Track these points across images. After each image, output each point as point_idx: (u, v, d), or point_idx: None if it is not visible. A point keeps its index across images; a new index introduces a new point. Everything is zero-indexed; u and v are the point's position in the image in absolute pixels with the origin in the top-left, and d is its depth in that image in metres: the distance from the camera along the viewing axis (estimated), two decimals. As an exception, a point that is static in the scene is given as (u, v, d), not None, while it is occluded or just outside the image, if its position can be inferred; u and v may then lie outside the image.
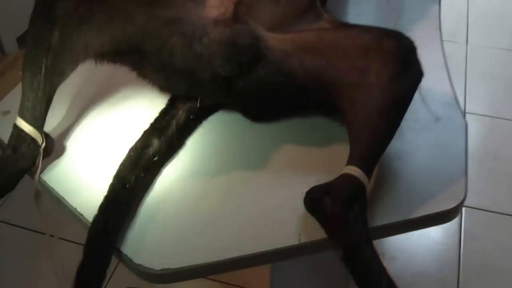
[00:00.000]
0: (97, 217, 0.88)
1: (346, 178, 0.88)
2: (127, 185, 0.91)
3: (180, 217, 0.92)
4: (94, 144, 1.04)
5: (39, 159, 0.94)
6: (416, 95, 0.97)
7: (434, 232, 1.84)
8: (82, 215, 0.91)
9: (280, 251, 0.88)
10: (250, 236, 0.89)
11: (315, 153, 1.02)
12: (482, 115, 2.29)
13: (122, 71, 1.10)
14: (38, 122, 0.93)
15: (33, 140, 0.92)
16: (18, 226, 1.89)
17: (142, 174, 0.94)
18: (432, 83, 1.11)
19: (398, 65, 0.92)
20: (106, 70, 1.14)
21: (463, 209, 1.90)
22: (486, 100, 2.39)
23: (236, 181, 0.97)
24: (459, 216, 1.87)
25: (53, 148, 1.00)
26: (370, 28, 1.01)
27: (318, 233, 0.87)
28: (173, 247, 0.88)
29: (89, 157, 1.01)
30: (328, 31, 1.03)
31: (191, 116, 1.03)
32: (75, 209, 0.93)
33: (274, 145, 1.02)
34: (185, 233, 0.90)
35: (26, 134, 0.91)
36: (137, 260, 0.86)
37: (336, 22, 1.08)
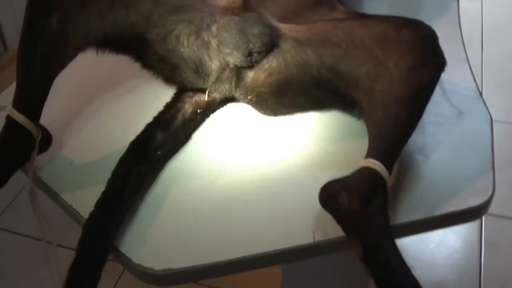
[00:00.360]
0: (94, 213, 0.80)
1: (365, 172, 0.80)
2: (127, 180, 0.84)
3: (185, 215, 0.85)
4: (95, 140, 0.97)
5: (34, 153, 0.87)
6: (437, 89, 0.90)
7: (453, 240, 1.76)
8: (78, 212, 0.84)
9: (293, 250, 0.80)
10: (260, 235, 0.82)
11: (329, 149, 0.94)
12: (499, 121, 2.21)
13: (125, 64, 1.04)
14: (34, 113, 0.86)
15: (28, 132, 0.85)
16: (20, 234, 1.83)
17: (144, 168, 0.87)
18: (454, 76, 1.04)
19: (419, 53, 0.86)
20: (109, 63, 1.07)
21: (483, 216, 1.82)
22: (503, 107, 2.31)
23: (245, 178, 0.89)
24: (479, 223, 1.79)
25: (51, 143, 0.93)
26: (387, 17, 0.94)
27: (334, 231, 0.80)
28: (176, 246, 0.81)
29: (88, 153, 0.94)
30: (343, 21, 0.96)
31: (198, 110, 0.96)
32: (71, 206, 0.86)
33: (286, 141, 0.95)
34: (189, 231, 0.82)
35: (20, 126, 0.84)
36: (136, 259, 0.79)
37: (352, 13, 1.01)
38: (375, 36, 0.89)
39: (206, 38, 0.91)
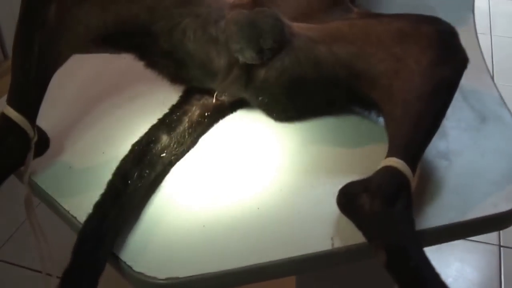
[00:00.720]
0: (92, 216, 0.74)
1: (386, 171, 0.74)
2: (129, 182, 0.77)
3: (192, 221, 0.78)
4: (96, 145, 0.90)
5: (30, 156, 0.81)
6: (458, 95, 0.84)
7: (471, 274, 1.66)
8: (75, 218, 0.77)
9: (309, 258, 0.73)
10: (273, 242, 0.74)
11: (345, 154, 0.88)
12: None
13: (128, 72, 0.99)
14: (30, 111, 0.80)
15: (23, 132, 0.78)
16: (20, 266, 1.74)
17: (147, 171, 0.80)
18: (474, 83, 0.98)
19: (439, 49, 0.81)
20: (112, 70, 1.03)
21: (502, 249, 1.74)
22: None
23: (256, 182, 0.83)
24: (497, 256, 1.71)
25: (48, 147, 0.86)
26: (404, 14, 0.90)
27: (354, 237, 0.73)
28: (182, 254, 0.74)
29: (88, 159, 0.88)
30: (358, 20, 0.91)
31: (206, 113, 0.90)
32: (68, 212, 0.79)
33: (299, 146, 0.89)
34: (196, 238, 0.75)
35: (14, 124, 0.78)
36: (138, 267, 0.72)
37: (367, 13, 0.96)
38: (393, 33, 0.84)
39: (214, 33, 0.85)
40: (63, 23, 0.80)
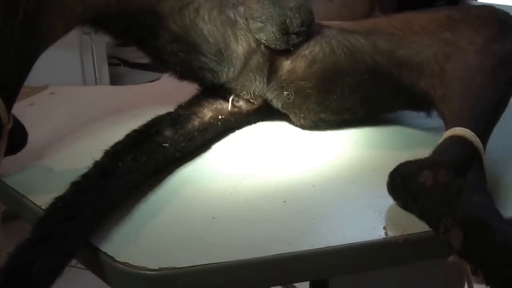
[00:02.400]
0: (66, 191, 0.55)
1: (451, 141, 0.57)
2: (120, 164, 0.60)
3: (200, 212, 0.59)
4: (83, 152, 0.72)
5: (1, 145, 0.64)
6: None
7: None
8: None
9: (356, 248, 0.53)
10: (303, 232, 0.55)
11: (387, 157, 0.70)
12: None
13: (136, 91, 0.85)
14: (5, 90, 0.64)
15: (-5, 114, 0.63)
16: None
17: (144, 157, 0.62)
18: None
19: (496, 27, 0.71)
20: (119, 93, 0.90)
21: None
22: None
23: (282, 180, 0.65)
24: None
25: (24, 144, 0.70)
26: (444, 6, 0.79)
27: (412, 227, 0.54)
28: (181, 242, 0.55)
29: (73, 163, 0.70)
30: (395, 14, 0.79)
31: (220, 116, 0.74)
32: (40, 207, 0.60)
33: (329, 154, 0.72)
34: (204, 229, 0.56)
35: (-15, 102, 0.62)
36: (121, 258, 0.52)
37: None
38: (440, 20, 0.74)
39: (232, 16, 0.72)
40: None
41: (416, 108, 0.75)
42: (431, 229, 0.53)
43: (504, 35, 0.68)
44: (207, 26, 0.71)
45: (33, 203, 0.62)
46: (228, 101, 0.76)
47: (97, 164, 0.59)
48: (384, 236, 0.53)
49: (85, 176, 0.58)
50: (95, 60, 1.93)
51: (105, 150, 0.62)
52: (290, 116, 0.76)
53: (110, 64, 2.05)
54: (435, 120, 0.77)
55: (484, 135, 0.58)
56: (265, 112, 0.78)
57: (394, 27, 0.74)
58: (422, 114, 0.76)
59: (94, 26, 0.73)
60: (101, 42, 1.95)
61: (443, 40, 0.70)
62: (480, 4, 0.77)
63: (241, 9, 0.73)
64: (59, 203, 0.53)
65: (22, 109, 0.70)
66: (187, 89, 0.78)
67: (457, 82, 0.65)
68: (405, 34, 0.73)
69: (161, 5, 0.72)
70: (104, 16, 0.71)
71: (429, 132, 0.75)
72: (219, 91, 0.76)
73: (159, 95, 0.89)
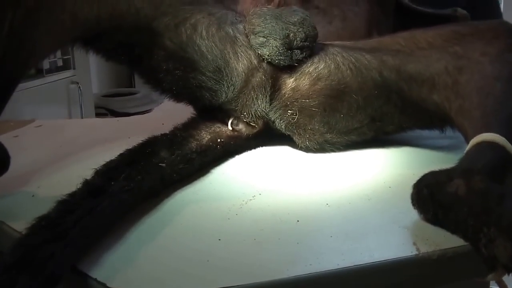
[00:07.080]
0: (52, 212, 0.46)
1: (481, 147, 0.49)
2: (112, 183, 0.51)
3: (205, 233, 0.50)
4: (69, 180, 0.64)
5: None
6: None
7: None
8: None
9: (386, 268, 0.44)
10: (322, 251, 0.46)
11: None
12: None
13: (126, 122, 0.77)
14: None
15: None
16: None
17: (140, 177, 0.53)
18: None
19: (508, 37, 0.65)
20: (108, 124, 0.82)
21: None
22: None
23: (291, 201, 0.56)
24: None
25: (7, 167, 0.60)
26: (451, 23, 0.74)
27: (446, 241, 0.45)
28: (183, 266, 0.45)
29: (58, 190, 0.61)
30: (400, 32, 0.72)
31: (219, 140, 0.66)
32: (21, 233, 0.50)
33: (338, 174, 0.63)
34: (209, 252, 0.47)
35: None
36: (114, 283, 0.43)
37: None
38: (446, 36, 0.69)
39: (231, 32, 0.65)
40: (43, 6, 0.59)
41: (427, 126, 0.68)
42: (467, 243, 0.45)
43: None
44: (205, 43, 0.64)
45: (13, 229, 0.52)
46: (227, 124, 0.68)
47: (87, 182, 0.50)
48: (417, 252, 0.44)
49: (73, 195, 0.49)
50: (83, 111, 1.85)
51: (96, 168, 0.53)
52: (294, 138, 0.68)
53: (97, 114, 1.97)
54: (444, 140, 0.70)
55: None
56: (266, 136, 0.70)
57: (399, 44, 0.68)
58: (431, 135, 0.70)
59: (85, 45, 0.65)
60: (89, 92, 1.88)
61: (453, 53, 0.64)
62: (484, 19, 0.71)
63: (240, 26, 0.66)
64: (42, 221, 0.44)
65: (6, 141, 0.62)
66: (180, 119, 0.70)
67: (475, 92, 0.58)
68: (411, 50, 0.67)
69: (156, 22, 0.64)
70: (95, 33, 0.64)
71: (440, 151, 0.68)
72: (217, 114, 0.69)
73: (151, 125, 0.81)
